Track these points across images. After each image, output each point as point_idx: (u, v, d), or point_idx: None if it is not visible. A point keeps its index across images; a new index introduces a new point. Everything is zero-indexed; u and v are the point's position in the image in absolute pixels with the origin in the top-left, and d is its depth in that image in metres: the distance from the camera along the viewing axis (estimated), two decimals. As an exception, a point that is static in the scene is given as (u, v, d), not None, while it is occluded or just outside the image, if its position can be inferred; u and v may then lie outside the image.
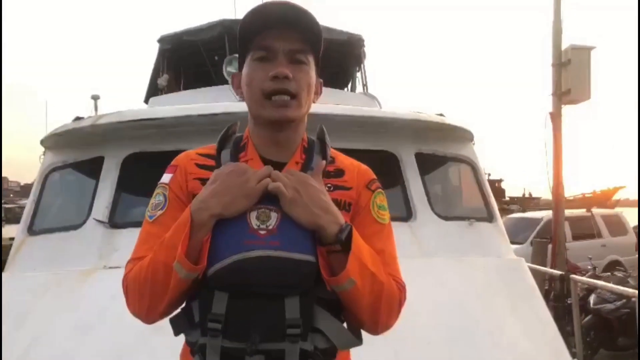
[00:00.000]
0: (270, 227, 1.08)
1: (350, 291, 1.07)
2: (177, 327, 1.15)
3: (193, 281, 1.07)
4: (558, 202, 7.41)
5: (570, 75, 7.12)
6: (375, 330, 1.17)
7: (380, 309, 1.12)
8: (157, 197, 1.20)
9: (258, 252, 1.05)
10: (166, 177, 1.22)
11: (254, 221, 1.08)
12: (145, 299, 1.11)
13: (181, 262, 1.03)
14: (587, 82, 7.10)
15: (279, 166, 1.17)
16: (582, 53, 7.13)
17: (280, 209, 1.09)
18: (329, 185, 1.18)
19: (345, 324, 1.17)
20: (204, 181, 1.15)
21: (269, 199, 1.10)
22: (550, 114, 7.30)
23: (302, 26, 1.16)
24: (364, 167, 1.29)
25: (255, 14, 1.16)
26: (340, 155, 1.29)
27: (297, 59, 1.15)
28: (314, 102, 1.24)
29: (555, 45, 7.33)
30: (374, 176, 1.28)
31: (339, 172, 1.23)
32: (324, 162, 1.20)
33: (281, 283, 1.06)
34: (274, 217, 1.09)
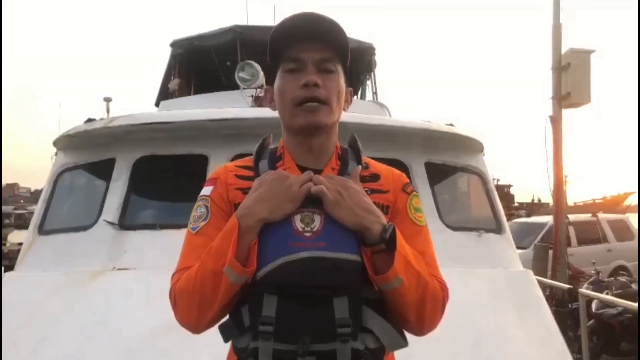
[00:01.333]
0: (315, 229, 1.10)
1: (397, 289, 1.09)
2: (227, 333, 1.16)
3: (241, 287, 1.09)
4: (558, 205, 7.34)
5: (570, 79, 7.08)
6: (421, 330, 1.18)
7: (426, 307, 1.14)
8: (198, 210, 1.23)
9: (305, 253, 1.07)
10: (207, 190, 1.24)
11: (298, 224, 1.11)
12: (194, 307, 1.12)
13: (232, 266, 1.05)
14: (587, 86, 7.06)
15: (316, 173, 1.19)
16: (582, 56, 7.09)
17: (323, 211, 1.12)
18: (366, 189, 1.20)
19: None
20: (244, 191, 1.18)
21: (312, 202, 1.13)
22: (551, 117, 7.25)
23: (329, 37, 1.19)
24: (397, 171, 1.32)
25: (284, 28, 1.20)
26: (373, 161, 1.32)
27: (325, 68, 1.19)
28: (344, 110, 1.27)
29: (554, 49, 7.29)
30: (408, 180, 1.31)
31: (375, 177, 1.26)
32: (360, 167, 1.23)
33: (329, 283, 1.08)
34: (317, 219, 1.12)
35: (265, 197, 1.11)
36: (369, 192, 1.20)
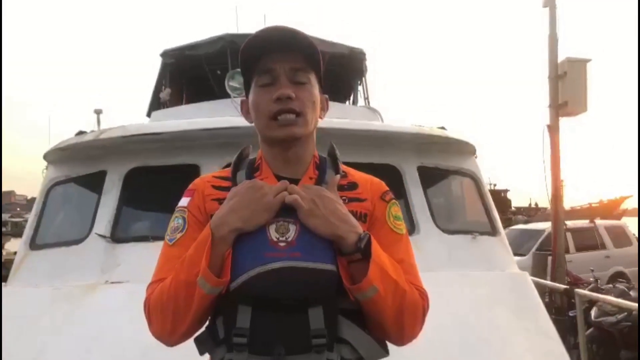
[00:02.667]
0: (290, 239, 1.09)
1: (373, 299, 1.08)
2: (202, 346, 1.15)
3: (215, 298, 1.08)
4: (557, 214, 7.37)
5: (566, 88, 7.13)
6: (401, 340, 1.17)
7: (404, 317, 1.13)
8: (175, 221, 1.22)
9: (279, 263, 1.06)
10: (184, 201, 1.24)
11: (273, 234, 1.10)
12: (168, 319, 1.11)
13: (205, 277, 1.04)
14: (584, 95, 7.11)
15: (293, 183, 1.18)
16: (578, 65, 7.14)
17: (298, 221, 1.11)
18: (343, 197, 1.19)
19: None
20: (221, 201, 1.17)
21: (287, 212, 1.11)
22: (548, 126, 7.29)
23: (299, 46, 1.19)
24: (376, 179, 1.31)
25: (254, 41, 1.19)
26: (352, 170, 1.31)
27: (298, 80, 1.18)
28: (320, 118, 1.27)
29: (551, 58, 7.34)
30: (387, 188, 1.29)
31: (353, 185, 1.25)
32: (338, 176, 1.22)
33: (304, 293, 1.07)
34: (292, 229, 1.11)
35: (240, 207, 1.10)
36: (347, 201, 1.19)
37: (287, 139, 1.18)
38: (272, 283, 1.05)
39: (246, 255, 1.08)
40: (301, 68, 1.19)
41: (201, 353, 1.16)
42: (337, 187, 1.20)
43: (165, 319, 1.11)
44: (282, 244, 1.08)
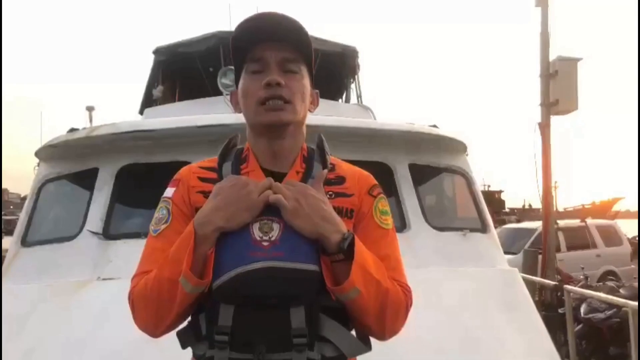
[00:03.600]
0: (273, 238, 1.09)
1: (355, 300, 1.09)
2: (184, 340, 1.16)
3: (199, 294, 1.08)
4: (547, 212, 7.41)
5: (557, 87, 7.17)
6: (382, 336, 1.18)
7: (386, 315, 1.13)
8: (160, 212, 1.22)
9: (262, 263, 1.06)
10: (169, 191, 1.23)
11: (256, 233, 1.09)
12: (151, 313, 1.12)
13: (187, 277, 1.04)
14: (575, 93, 7.16)
15: (280, 176, 1.18)
16: (569, 64, 7.18)
17: (282, 220, 1.10)
18: (330, 193, 1.19)
19: (353, 332, 1.18)
20: (206, 194, 1.16)
21: (271, 210, 1.11)
22: (539, 124, 7.33)
23: (292, 37, 1.18)
24: (365, 173, 1.30)
25: (246, 28, 1.18)
26: (341, 163, 1.30)
27: (289, 69, 1.18)
28: (310, 111, 1.26)
29: (542, 57, 7.38)
30: (375, 182, 1.29)
31: (340, 180, 1.24)
32: (325, 170, 1.21)
33: (286, 293, 1.07)
34: (276, 228, 1.10)
35: (223, 205, 1.10)
36: (333, 196, 1.19)
37: (275, 124, 1.16)
38: (254, 282, 1.05)
39: (229, 254, 1.08)
40: (292, 59, 1.18)
41: (183, 347, 1.17)
42: (325, 181, 1.19)
43: (149, 312, 1.12)
44: (265, 244, 1.08)
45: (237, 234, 1.09)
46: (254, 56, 1.18)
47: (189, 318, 1.17)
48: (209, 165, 1.26)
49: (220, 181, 1.17)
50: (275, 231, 1.09)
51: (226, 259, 1.07)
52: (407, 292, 1.19)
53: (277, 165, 1.22)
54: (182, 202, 1.20)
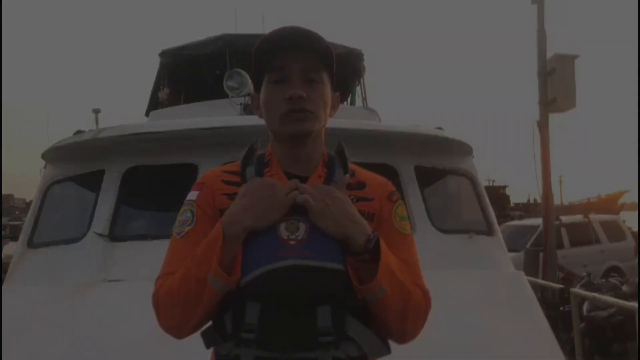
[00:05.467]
0: (300, 238, 1.11)
1: (380, 299, 1.10)
2: (209, 339, 1.17)
3: (226, 293, 1.09)
4: (547, 210, 7.38)
5: (555, 84, 7.14)
6: (403, 339, 1.20)
7: (408, 317, 1.15)
8: (184, 214, 1.23)
9: (289, 261, 1.08)
10: (193, 195, 1.24)
11: (283, 232, 1.12)
12: (177, 313, 1.13)
13: (216, 274, 1.06)
14: (572, 91, 7.12)
15: (302, 180, 1.20)
16: (567, 62, 7.15)
17: (308, 220, 1.13)
18: (352, 197, 1.21)
19: None
20: (231, 196, 1.18)
21: (297, 211, 1.13)
22: (538, 122, 7.30)
23: (313, 46, 1.20)
24: (383, 179, 1.33)
25: (269, 39, 1.21)
26: (360, 169, 1.32)
27: (311, 79, 1.19)
28: (330, 116, 1.28)
29: (539, 54, 7.34)
30: (394, 188, 1.32)
31: (360, 185, 1.27)
32: (347, 175, 1.23)
33: (312, 292, 1.09)
34: (302, 228, 1.12)
35: (251, 205, 1.12)
36: (355, 200, 1.21)
37: (298, 134, 1.18)
38: (281, 281, 1.08)
39: (257, 253, 1.10)
40: (314, 67, 1.20)
41: (208, 347, 1.18)
42: (346, 186, 1.21)
43: (175, 312, 1.13)
44: (292, 242, 1.10)
45: (265, 233, 1.11)
46: (276, 64, 1.20)
47: (213, 320, 1.17)
48: (232, 169, 1.28)
49: (246, 183, 1.19)
50: (302, 231, 1.12)
51: (254, 257, 1.09)
52: (426, 295, 1.21)
53: (300, 170, 1.23)
54: (207, 205, 1.21)
